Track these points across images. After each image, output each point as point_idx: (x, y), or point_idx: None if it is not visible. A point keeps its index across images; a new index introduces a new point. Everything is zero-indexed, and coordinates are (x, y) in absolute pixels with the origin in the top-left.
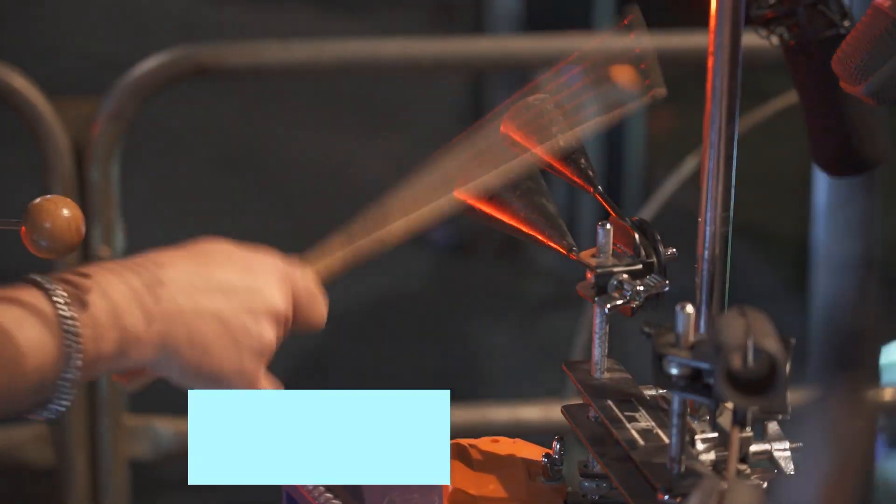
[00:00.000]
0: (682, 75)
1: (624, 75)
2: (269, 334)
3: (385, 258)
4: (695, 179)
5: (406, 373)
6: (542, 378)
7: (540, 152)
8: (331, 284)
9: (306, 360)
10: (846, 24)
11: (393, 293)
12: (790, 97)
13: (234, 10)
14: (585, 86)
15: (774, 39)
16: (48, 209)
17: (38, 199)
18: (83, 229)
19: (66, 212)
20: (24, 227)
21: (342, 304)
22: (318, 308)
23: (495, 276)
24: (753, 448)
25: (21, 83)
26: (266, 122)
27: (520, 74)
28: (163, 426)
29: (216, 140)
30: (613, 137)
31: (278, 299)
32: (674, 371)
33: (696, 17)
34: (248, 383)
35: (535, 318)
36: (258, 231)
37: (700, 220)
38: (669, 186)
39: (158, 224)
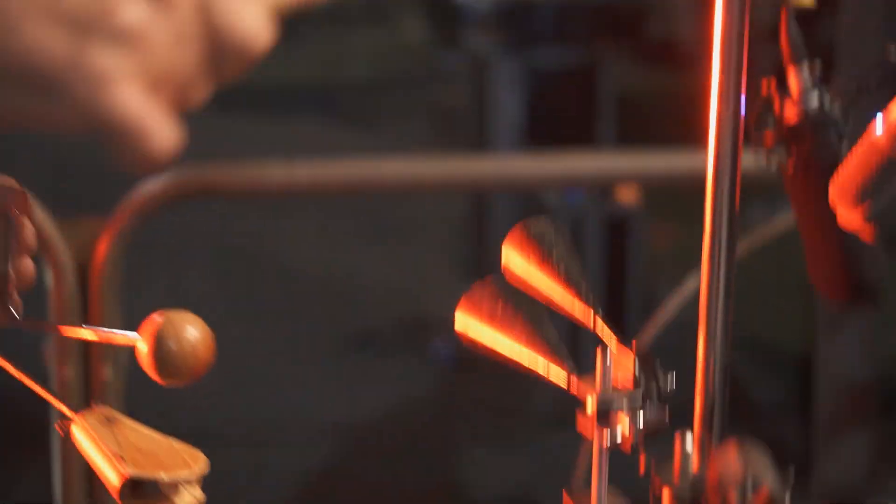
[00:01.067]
0: (682, 193)
1: (626, 194)
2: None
3: (387, 372)
4: (697, 296)
5: (409, 489)
6: (543, 497)
7: (539, 278)
8: (336, 401)
9: (311, 476)
10: (845, 149)
11: (395, 408)
12: (788, 220)
13: (241, 123)
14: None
15: (773, 163)
16: (171, 328)
17: (158, 316)
18: (212, 353)
19: (193, 332)
20: (140, 346)
21: (345, 420)
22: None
23: (496, 391)
24: None
25: None
26: (269, 233)
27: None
28: None
29: (219, 250)
30: (615, 254)
31: None
32: None
33: (698, 136)
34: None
35: (537, 434)
36: (263, 342)
37: (699, 353)
38: (672, 306)
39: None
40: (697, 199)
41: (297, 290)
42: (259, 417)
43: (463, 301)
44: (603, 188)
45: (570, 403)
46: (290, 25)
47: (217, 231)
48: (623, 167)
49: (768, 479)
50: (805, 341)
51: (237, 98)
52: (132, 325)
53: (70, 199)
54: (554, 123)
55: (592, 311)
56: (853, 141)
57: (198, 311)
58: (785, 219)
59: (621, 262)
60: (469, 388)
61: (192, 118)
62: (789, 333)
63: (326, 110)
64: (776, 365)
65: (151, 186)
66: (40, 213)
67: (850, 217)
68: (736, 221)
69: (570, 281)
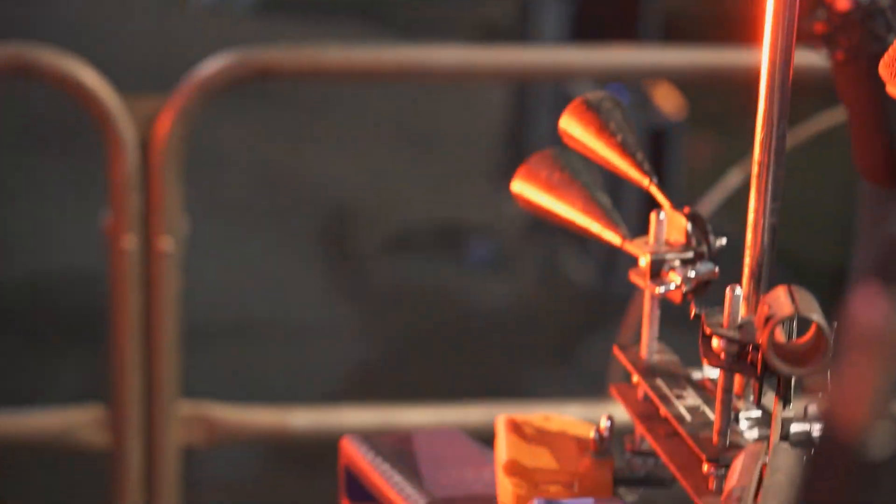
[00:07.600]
0: (724, 93)
1: (667, 101)
2: None
3: (425, 276)
4: (734, 198)
5: (449, 386)
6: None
7: (597, 147)
8: (374, 311)
9: (352, 376)
10: (892, 37)
11: (430, 312)
12: (829, 118)
13: (281, 25)
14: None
15: (823, 53)
16: None
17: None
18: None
19: None
20: None
21: (384, 326)
22: None
23: (531, 296)
24: (794, 428)
25: (92, 79)
26: (308, 141)
27: (562, 95)
28: (218, 413)
29: (257, 160)
30: (654, 166)
31: None
32: (722, 348)
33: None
34: None
35: (571, 339)
36: (296, 244)
37: (750, 209)
38: (713, 201)
39: (215, 217)
40: (739, 111)
41: (331, 197)
42: (296, 315)
43: (520, 168)
44: (643, 98)
45: (602, 306)
46: None
47: (255, 141)
48: (667, 62)
49: (817, 316)
50: (839, 254)
51: (278, 1)
52: (188, 203)
53: (135, 76)
54: (597, 28)
55: (648, 178)
56: None
57: (235, 214)
58: (830, 116)
59: (660, 175)
60: (505, 292)
61: (234, 19)
62: (823, 246)
63: (367, 13)
64: (809, 277)
65: (212, 68)
66: (106, 89)
67: None
68: (787, 94)
69: (626, 150)
